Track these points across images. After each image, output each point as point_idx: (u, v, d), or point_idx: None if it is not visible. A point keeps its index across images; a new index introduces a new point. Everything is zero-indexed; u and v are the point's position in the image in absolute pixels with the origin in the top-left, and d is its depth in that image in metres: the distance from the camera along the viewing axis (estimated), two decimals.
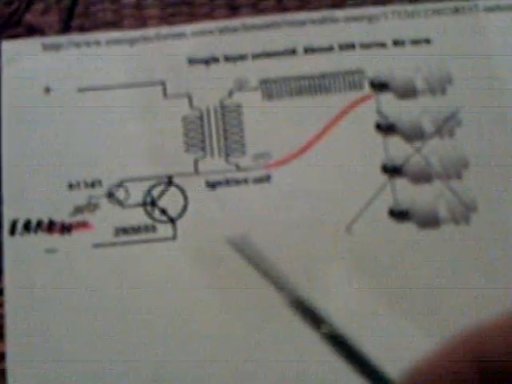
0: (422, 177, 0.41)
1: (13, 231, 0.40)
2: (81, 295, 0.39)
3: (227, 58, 0.43)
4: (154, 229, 0.40)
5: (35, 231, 0.40)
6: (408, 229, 0.40)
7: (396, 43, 0.43)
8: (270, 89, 0.42)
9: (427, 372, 0.23)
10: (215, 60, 0.43)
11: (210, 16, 0.44)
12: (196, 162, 0.41)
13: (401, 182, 0.41)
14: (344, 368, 0.35)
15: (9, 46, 0.43)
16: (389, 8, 0.43)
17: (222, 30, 0.43)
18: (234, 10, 0.44)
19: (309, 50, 0.43)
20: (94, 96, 0.42)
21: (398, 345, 0.38)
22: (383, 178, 0.41)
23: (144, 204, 0.41)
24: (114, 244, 0.40)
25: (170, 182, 0.41)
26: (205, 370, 0.38)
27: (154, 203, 0.41)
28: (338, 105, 0.42)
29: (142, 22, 0.44)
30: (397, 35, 0.43)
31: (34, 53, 0.43)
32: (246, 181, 0.41)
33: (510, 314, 0.22)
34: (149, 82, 0.42)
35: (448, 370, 0.23)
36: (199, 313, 0.39)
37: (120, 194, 0.41)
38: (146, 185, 0.41)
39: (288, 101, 0.42)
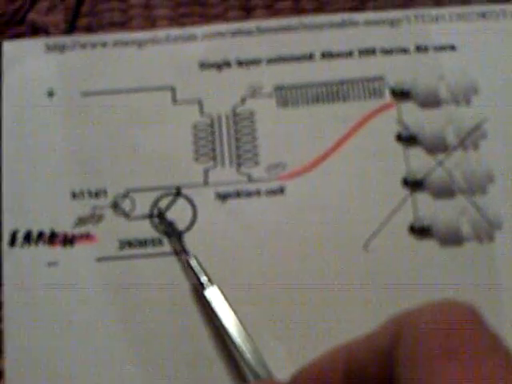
0: (445, 191, 0.39)
1: (13, 242, 0.38)
2: (83, 311, 0.37)
3: (240, 63, 0.41)
4: (160, 242, 0.38)
5: (36, 243, 0.38)
6: (429, 246, 0.38)
7: (419, 49, 0.41)
8: (285, 96, 0.40)
9: (306, 374, 0.27)
10: (227, 64, 0.41)
11: (223, 17, 0.42)
12: (206, 172, 0.39)
13: (422, 197, 0.39)
14: None
15: (11, 46, 0.41)
16: (411, 12, 0.42)
17: (235, 33, 0.41)
18: (248, 11, 0.42)
19: (327, 55, 0.41)
20: (100, 101, 0.40)
21: None
22: (404, 192, 0.39)
23: (151, 216, 0.39)
24: (118, 258, 0.38)
25: (178, 192, 0.39)
26: None
27: (161, 215, 0.38)
28: (357, 114, 0.40)
29: (151, 23, 0.42)
30: (420, 41, 0.41)
31: (37, 54, 0.41)
32: (258, 193, 0.39)
33: (374, 329, 0.25)
34: (157, 86, 0.40)
35: (321, 373, 0.26)
36: (199, 334, 0.37)
37: (126, 204, 0.39)
38: (153, 195, 0.39)
39: (304, 109, 0.40)
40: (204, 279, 0.36)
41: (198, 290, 0.37)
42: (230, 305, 0.36)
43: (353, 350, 0.26)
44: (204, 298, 0.36)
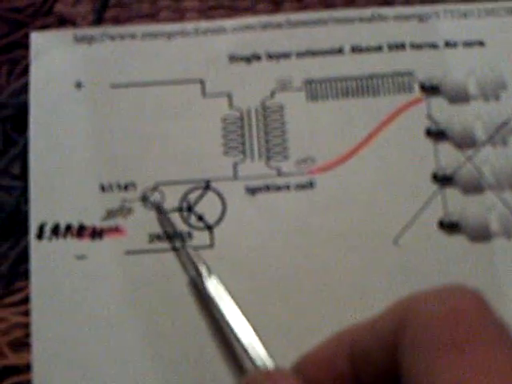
0: (474, 187, 0.39)
1: (40, 235, 0.38)
2: (111, 305, 0.37)
3: (270, 56, 0.40)
4: (190, 236, 0.38)
5: (64, 236, 0.38)
6: (458, 242, 0.38)
7: (448, 44, 0.41)
8: (315, 89, 0.40)
9: (310, 360, 0.27)
10: (257, 58, 0.40)
11: (252, 10, 0.42)
12: (235, 166, 0.39)
13: (451, 192, 0.39)
14: None
15: (38, 37, 0.41)
16: (440, 7, 0.41)
17: (264, 26, 0.41)
18: (277, 5, 0.42)
19: (356, 50, 0.41)
20: (128, 93, 0.40)
21: None
22: (433, 187, 0.39)
23: (180, 209, 0.38)
24: (147, 251, 0.38)
25: (207, 186, 0.39)
26: None
27: (190, 209, 0.38)
28: (387, 108, 0.40)
29: (179, 15, 0.42)
30: (449, 36, 0.41)
31: (65, 45, 0.40)
32: (287, 187, 0.39)
33: (379, 313, 0.25)
34: (187, 79, 0.40)
35: (325, 358, 0.26)
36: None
37: (155, 198, 0.38)
38: (183, 189, 0.39)
39: (333, 103, 0.40)
40: (204, 271, 0.36)
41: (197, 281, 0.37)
42: (231, 296, 0.36)
43: (357, 335, 0.26)
44: (204, 289, 0.36)
